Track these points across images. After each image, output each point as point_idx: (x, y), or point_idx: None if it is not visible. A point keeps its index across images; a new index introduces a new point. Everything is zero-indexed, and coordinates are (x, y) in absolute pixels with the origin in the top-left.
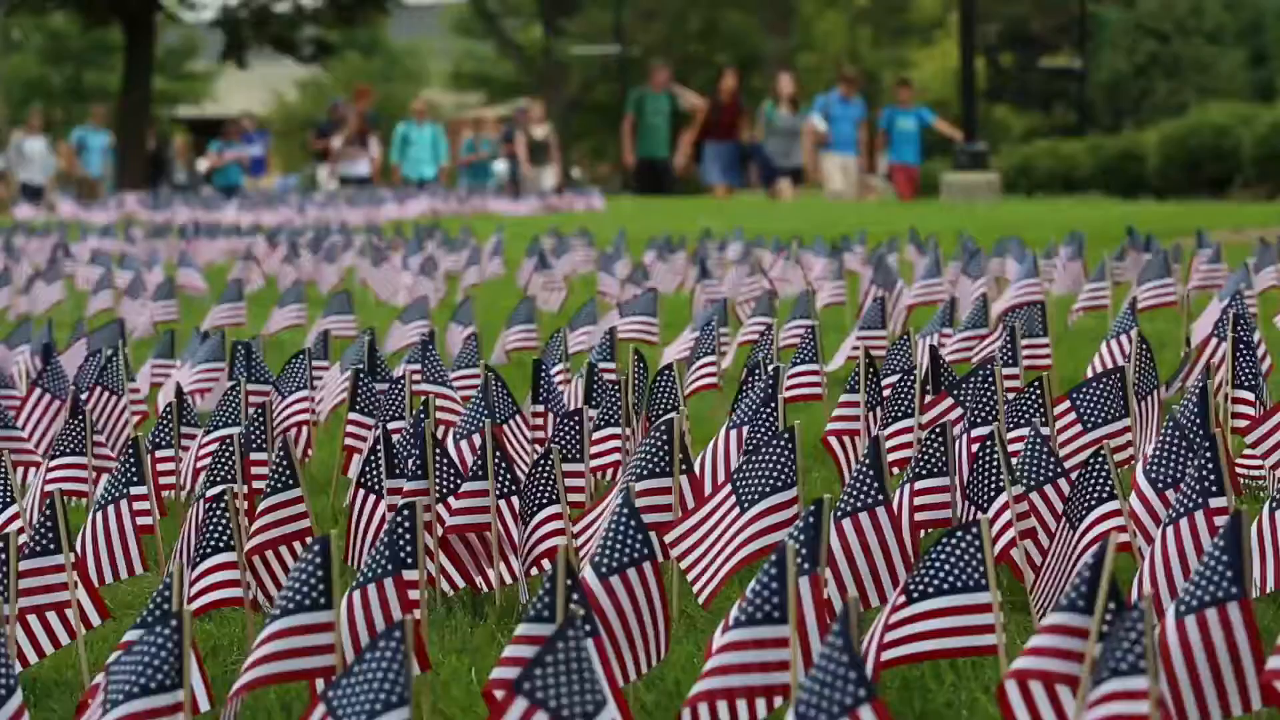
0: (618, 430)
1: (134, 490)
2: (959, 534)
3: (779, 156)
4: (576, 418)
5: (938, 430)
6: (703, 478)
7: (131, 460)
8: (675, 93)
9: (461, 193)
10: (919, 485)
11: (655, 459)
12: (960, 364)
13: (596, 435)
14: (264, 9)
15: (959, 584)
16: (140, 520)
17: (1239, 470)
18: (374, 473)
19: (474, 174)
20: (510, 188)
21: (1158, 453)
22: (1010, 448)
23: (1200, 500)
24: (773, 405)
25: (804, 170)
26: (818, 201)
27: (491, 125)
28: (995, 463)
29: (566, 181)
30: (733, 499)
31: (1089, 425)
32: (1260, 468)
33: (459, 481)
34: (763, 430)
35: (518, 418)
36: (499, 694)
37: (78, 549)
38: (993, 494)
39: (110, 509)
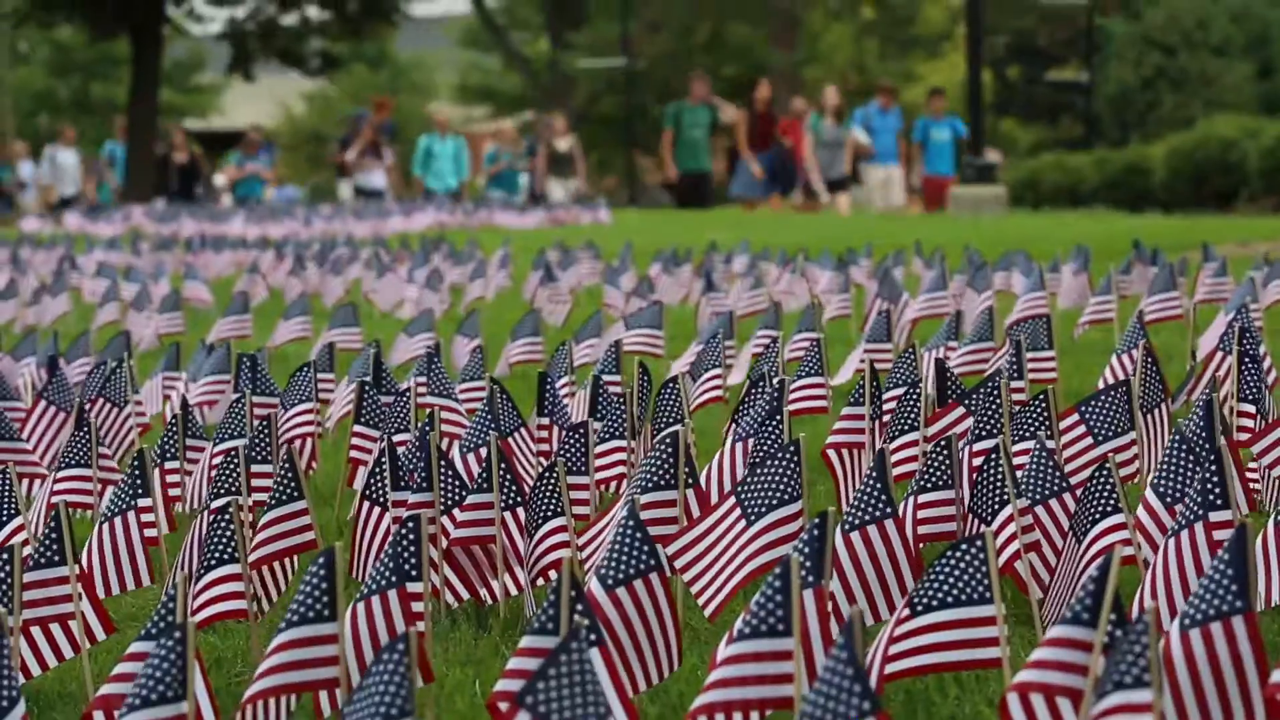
0: (623, 443)
1: (141, 502)
2: (963, 547)
3: (824, 169)
4: (581, 430)
5: (942, 444)
6: (709, 490)
7: (138, 472)
8: (714, 105)
9: (468, 205)
10: (923, 498)
11: (660, 472)
12: (966, 377)
13: (602, 448)
14: (271, 22)
15: (963, 597)
16: (147, 533)
17: (1252, 484)
18: (378, 485)
19: (499, 184)
20: (532, 200)
21: (1165, 466)
22: (1015, 461)
23: (1201, 513)
24: (778, 418)
25: (848, 181)
26: (829, 216)
27: (514, 136)
28: (1000, 476)
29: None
30: (738, 512)
31: (1100, 439)
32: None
33: (464, 494)
34: (768, 443)
35: (523, 430)
36: (503, 706)
37: (83, 562)
38: (997, 507)
39: (117, 520)
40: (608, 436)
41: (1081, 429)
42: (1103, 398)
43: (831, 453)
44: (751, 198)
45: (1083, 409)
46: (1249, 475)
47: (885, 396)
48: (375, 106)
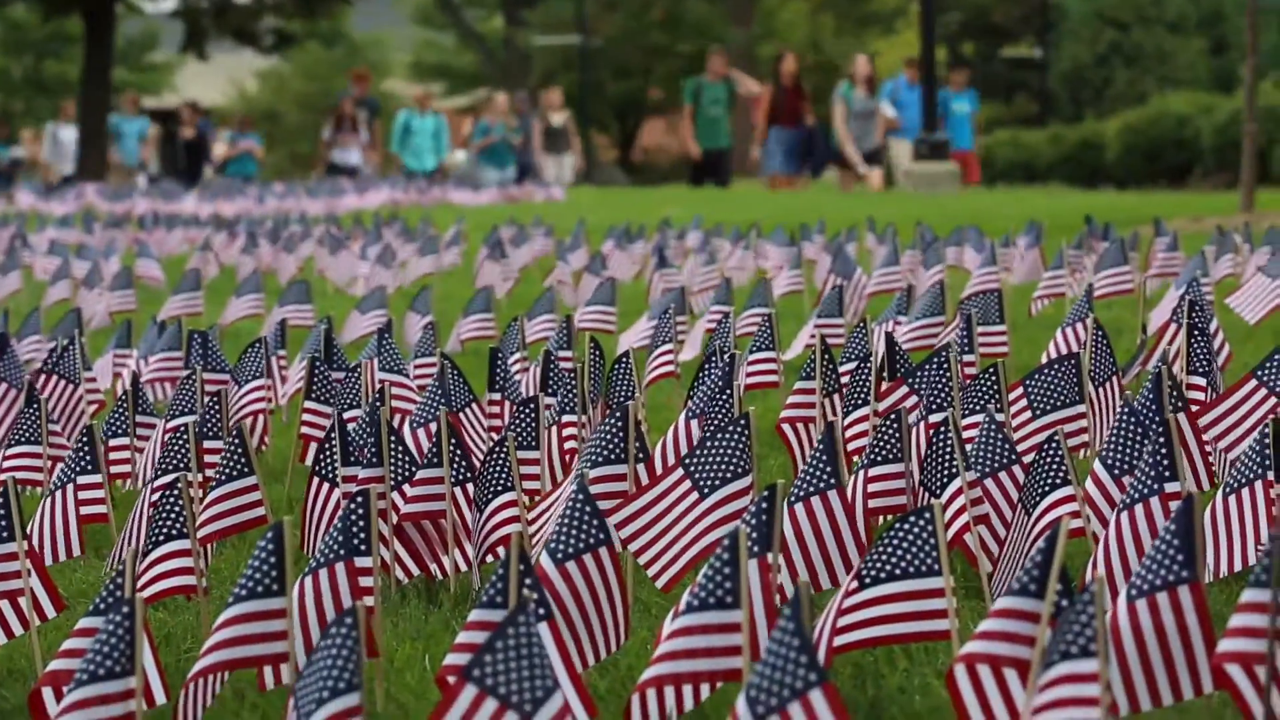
0: (574, 418)
1: (82, 479)
2: (912, 519)
3: (856, 139)
4: (532, 405)
5: (892, 417)
6: (664, 464)
7: (86, 449)
8: (732, 80)
9: (422, 183)
10: (874, 471)
11: (610, 446)
12: (917, 352)
13: (560, 421)
14: (224, 0)
15: (911, 569)
16: (93, 509)
17: (1211, 457)
18: (329, 461)
19: (489, 158)
20: (524, 177)
21: (1113, 438)
22: (965, 434)
23: (1155, 486)
24: (729, 392)
25: (880, 154)
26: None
27: (507, 107)
28: (949, 449)
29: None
30: (688, 484)
31: (1039, 411)
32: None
33: (414, 469)
34: (719, 417)
35: (474, 406)
36: (451, 680)
37: (32, 538)
38: (947, 480)
39: (57, 494)
40: (562, 412)
41: (1025, 402)
42: (1047, 371)
43: (786, 427)
44: (785, 174)
45: (1027, 382)
46: (1208, 448)
47: (842, 371)
48: (354, 79)
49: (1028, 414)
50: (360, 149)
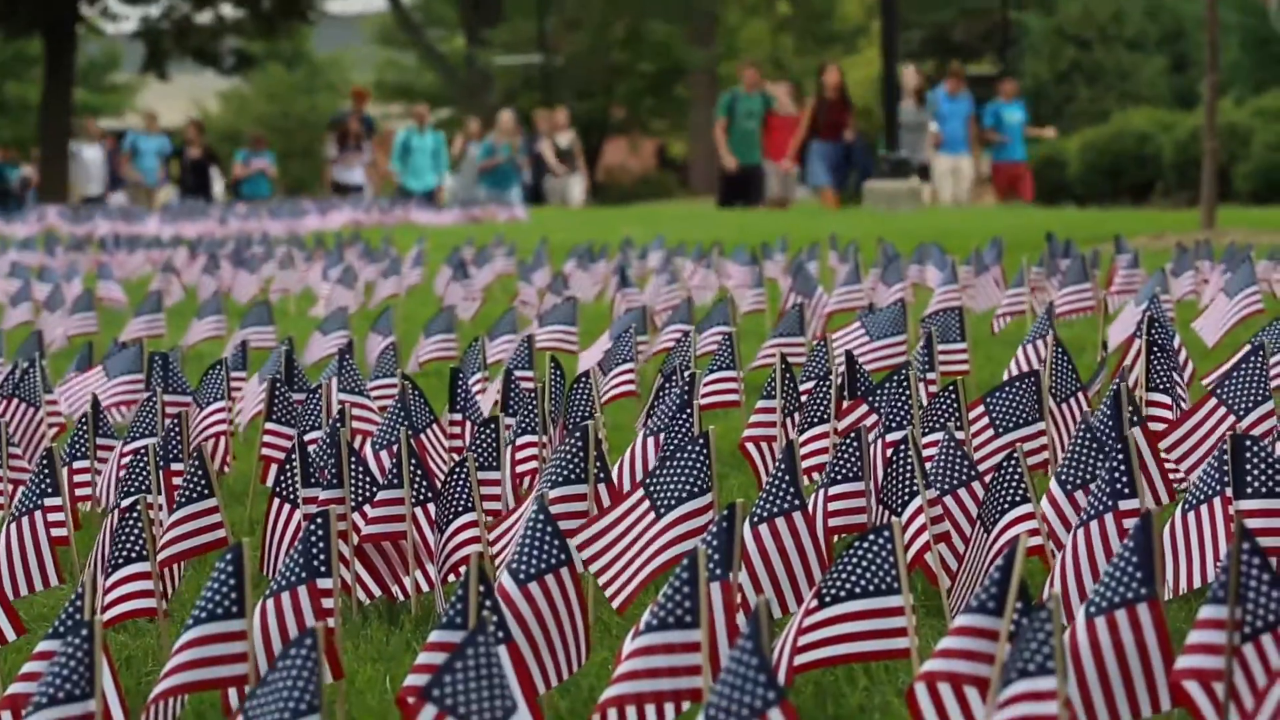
0: (535, 438)
1: (48, 501)
2: (871, 537)
3: (905, 152)
4: (492, 426)
5: (852, 436)
6: (621, 485)
7: (46, 472)
8: (768, 92)
9: (384, 203)
10: (834, 490)
11: (570, 466)
12: (876, 371)
13: (517, 443)
14: (185, 20)
15: (871, 587)
16: (55, 532)
17: (1171, 473)
18: (289, 482)
19: (493, 181)
20: (533, 199)
21: (1069, 455)
22: (925, 452)
23: (1111, 502)
24: (688, 411)
25: (929, 168)
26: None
27: (512, 126)
28: (909, 467)
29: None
30: (646, 504)
31: (1000, 429)
32: (1178, 471)
33: (375, 490)
34: (678, 436)
35: (435, 426)
36: (410, 700)
37: None
38: (907, 498)
39: (25, 520)
40: (522, 432)
41: (986, 420)
42: (1008, 389)
43: (750, 446)
44: (828, 188)
45: (988, 400)
46: (1168, 465)
47: (802, 389)
48: (353, 96)
49: (989, 432)
50: (364, 168)
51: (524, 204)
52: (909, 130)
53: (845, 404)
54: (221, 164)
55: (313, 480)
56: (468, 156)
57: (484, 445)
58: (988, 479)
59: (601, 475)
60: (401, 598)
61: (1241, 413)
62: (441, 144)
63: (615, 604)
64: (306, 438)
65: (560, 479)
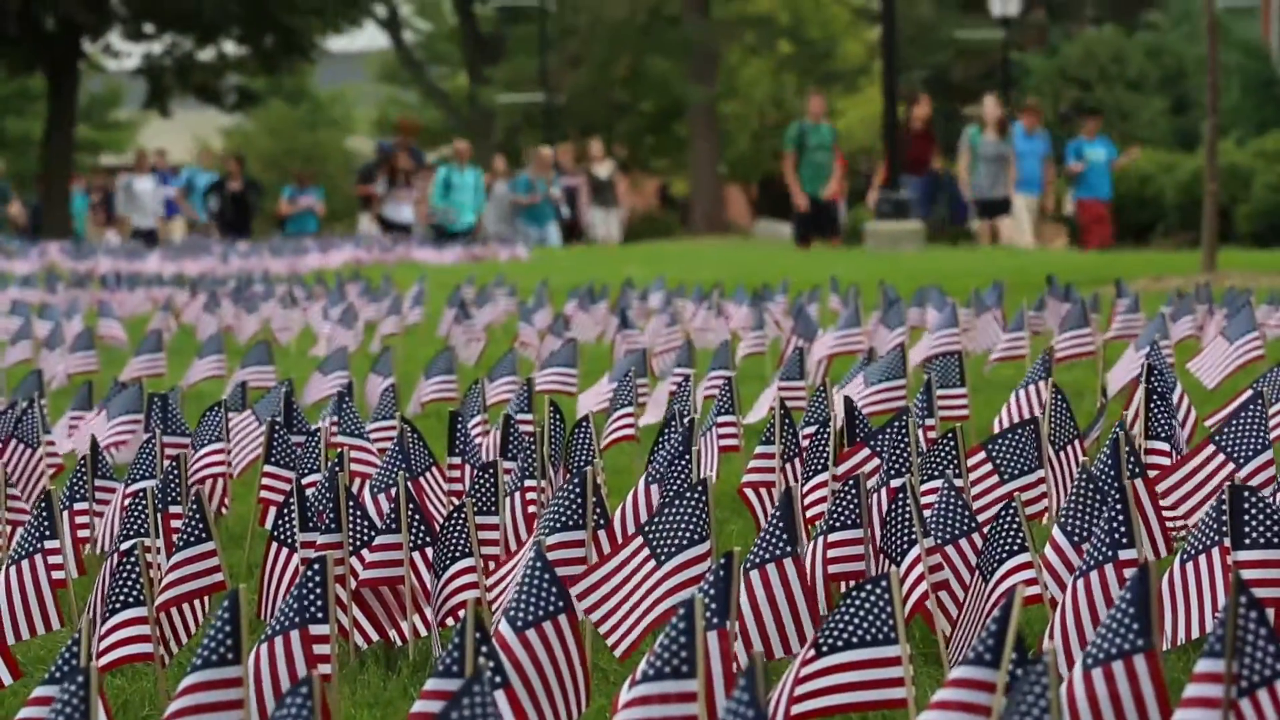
0: (535, 483)
1: (48, 544)
2: (869, 587)
3: (986, 187)
4: (491, 470)
5: (851, 482)
6: (624, 530)
7: (44, 514)
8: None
9: (385, 241)
10: (833, 537)
11: (569, 511)
12: (875, 416)
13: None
14: (187, 57)
15: (868, 637)
16: (55, 575)
17: (1170, 523)
18: (287, 526)
19: (530, 217)
20: (572, 235)
21: (1071, 504)
22: (925, 500)
23: (1110, 553)
24: (688, 457)
25: (1008, 204)
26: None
27: (549, 161)
28: (908, 515)
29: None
30: (646, 551)
31: (1005, 477)
32: (1178, 518)
33: (373, 534)
34: (678, 482)
35: (434, 470)
36: None
37: None
38: (906, 546)
39: (24, 564)
40: (523, 476)
41: (988, 467)
42: (1010, 436)
43: (749, 492)
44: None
45: (989, 447)
46: (1167, 514)
47: (803, 434)
48: (401, 130)
49: (993, 479)
50: (413, 205)
51: (560, 240)
52: (988, 162)
53: (844, 450)
54: (261, 197)
55: (311, 524)
56: (496, 193)
57: (483, 490)
58: (986, 529)
59: (600, 521)
60: (399, 642)
61: (1241, 461)
62: (481, 181)
63: (617, 652)
64: (305, 481)
65: (558, 525)
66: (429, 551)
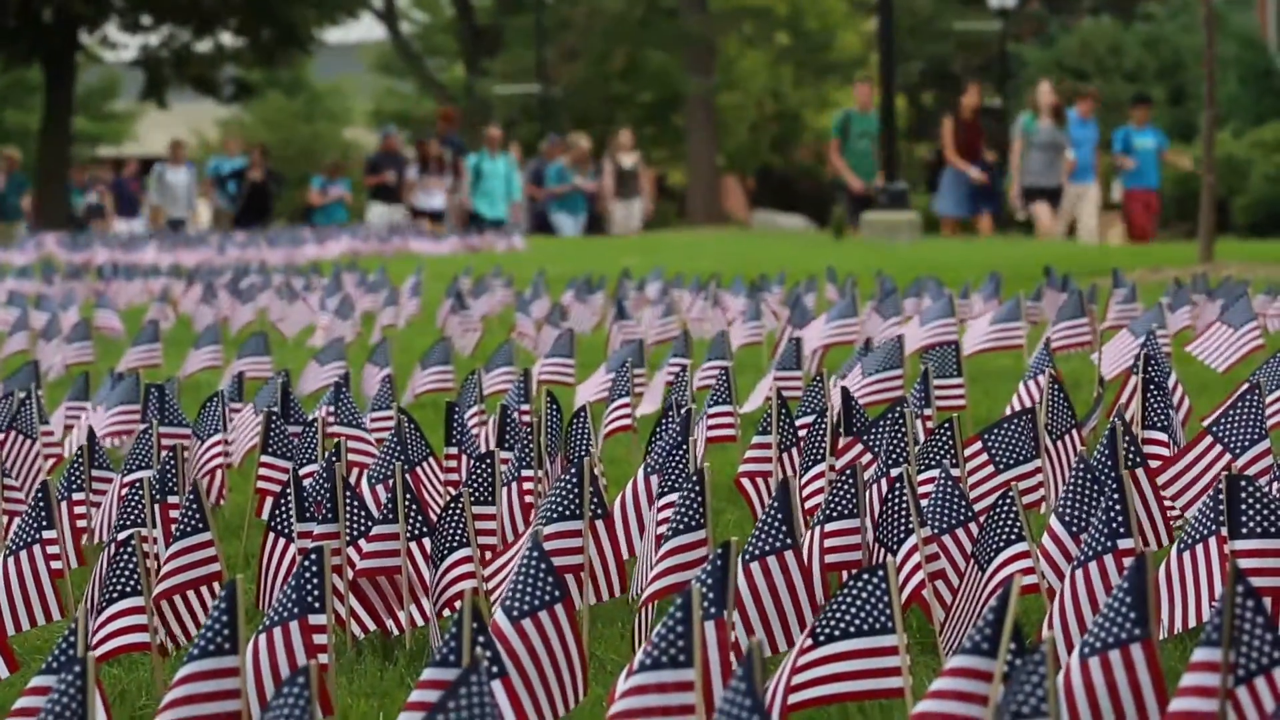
0: (531, 473)
1: (46, 534)
2: (865, 576)
3: (1038, 174)
4: (488, 461)
5: (848, 472)
6: (624, 520)
7: (41, 505)
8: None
9: (382, 232)
10: (830, 527)
11: (566, 502)
12: (872, 406)
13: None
14: (184, 49)
15: (865, 626)
16: (53, 565)
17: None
18: (284, 516)
19: (565, 207)
20: (592, 225)
21: (1068, 494)
22: (921, 489)
23: (1109, 543)
24: (685, 447)
25: (1060, 192)
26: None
27: (585, 153)
28: (905, 505)
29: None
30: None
31: (1001, 466)
32: (1174, 508)
33: (370, 524)
34: (674, 472)
35: (431, 460)
36: None
37: None
38: (903, 536)
39: (23, 555)
40: (521, 467)
41: (984, 457)
42: (1006, 425)
43: (745, 481)
44: (959, 216)
45: (986, 437)
46: (1167, 504)
47: (799, 424)
48: (441, 118)
49: (988, 469)
50: (444, 192)
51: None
52: (1041, 150)
53: (841, 441)
54: (280, 187)
55: (308, 514)
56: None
57: (480, 480)
58: (983, 517)
59: (598, 511)
60: (396, 632)
61: (1237, 451)
62: (514, 168)
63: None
64: (302, 471)
65: (555, 514)
66: (426, 542)
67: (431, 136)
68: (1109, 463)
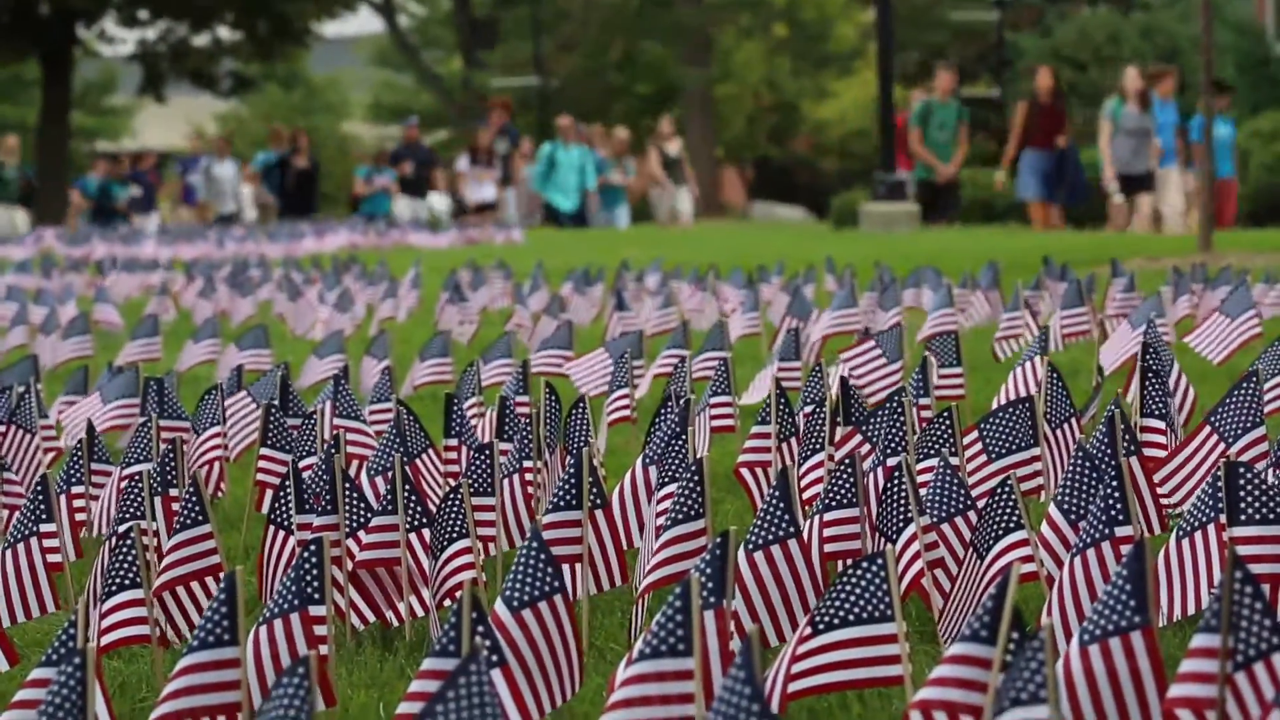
0: (531, 464)
1: (44, 527)
2: (864, 564)
3: (1126, 161)
4: (487, 452)
5: (847, 461)
6: (622, 510)
7: (41, 498)
8: (962, 99)
9: (380, 225)
10: (829, 516)
11: (565, 492)
12: (873, 395)
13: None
14: (182, 43)
15: (864, 615)
16: (51, 558)
17: (1164, 499)
18: (284, 508)
19: (604, 199)
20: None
21: (1067, 482)
22: (920, 478)
23: (1107, 530)
24: (684, 438)
25: (1151, 179)
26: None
27: (626, 145)
28: (904, 494)
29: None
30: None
31: (994, 455)
32: (1174, 503)
33: (369, 516)
34: (674, 462)
35: (430, 452)
36: None
37: None
38: (902, 525)
39: (20, 547)
40: (520, 458)
41: (980, 445)
42: (1002, 414)
43: (745, 471)
44: (1045, 199)
45: (982, 426)
46: (1162, 498)
47: (800, 414)
48: (497, 106)
49: (983, 457)
50: (495, 184)
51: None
52: (1129, 136)
53: (841, 431)
54: (316, 183)
55: (307, 506)
56: (522, 174)
57: (479, 471)
58: (981, 505)
59: (598, 501)
60: (396, 623)
61: (1232, 439)
62: (588, 158)
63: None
64: (301, 464)
65: (554, 505)
66: (426, 533)
67: (482, 126)
68: (1107, 450)
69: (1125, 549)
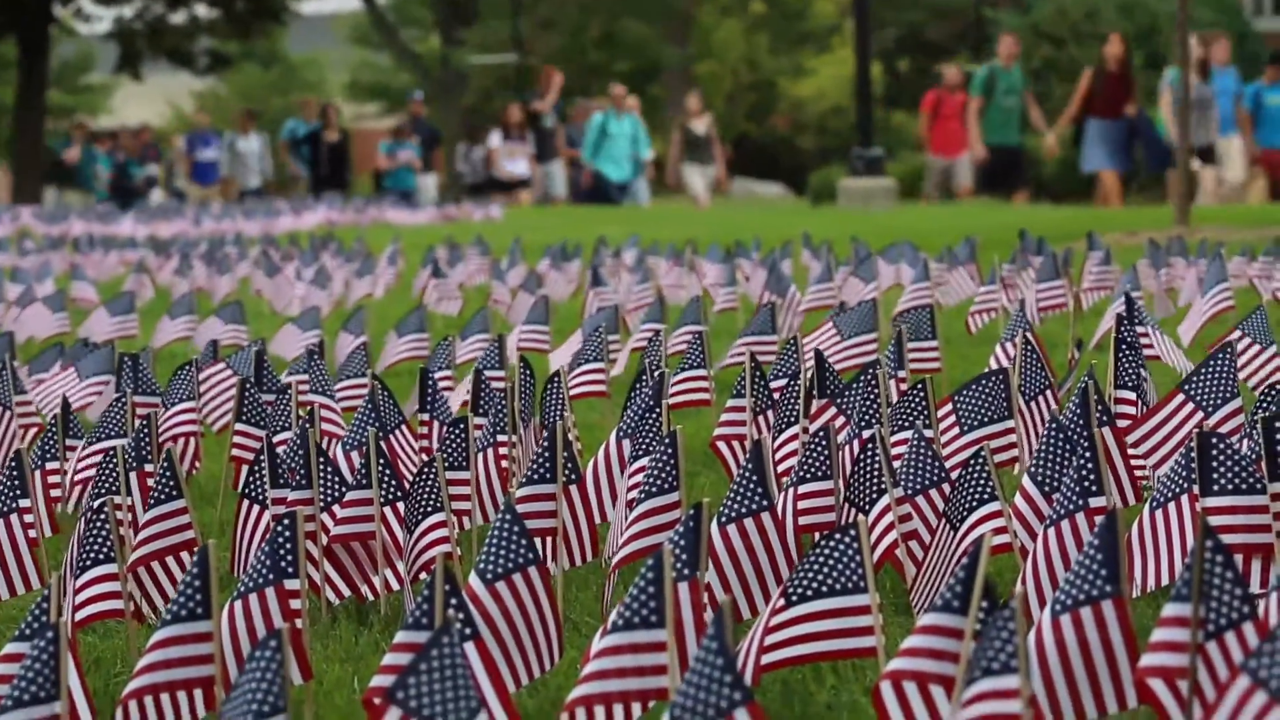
0: (505, 438)
1: (22, 503)
2: (837, 536)
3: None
4: (461, 426)
5: (821, 434)
6: (596, 484)
7: (16, 474)
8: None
9: (359, 203)
10: (803, 489)
11: (539, 466)
12: (847, 370)
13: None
14: (159, 21)
15: (838, 586)
16: (30, 534)
17: (1138, 471)
18: (258, 483)
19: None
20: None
21: (1041, 454)
22: (895, 451)
23: (1080, 501)
24: (657, 411)
25: (1213, 151)
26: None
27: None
28: (877, 466)
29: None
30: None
31: (966, 428)
32: (1144, 468)
33: (344, 490)
34: (648, 436)
35: (404, 427)
36: (376, 701)
37: None
38: (875, 497)
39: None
40: (495, 432)
41: (953, 418)
42: (976, 387)
43: (722, 445)
44: (1109, 171)
45: (956, 398)
46: (1135, 464)
47: (772, 388)
48: (544, 78)
49: (956, 429)
50: (527, 159)
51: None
52: (1194, 107)
53: (815, 404)
54: (347, 159)
55: (282, 481)
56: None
57: (453, 445)
58: (955, 476)
59: (572, 476)
60: (370, 597)
61: (1210, 409)
62: (640, 128)
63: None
64: (276, 439)
65: (527, 479)
66: (400, 507)
67: (535, 98)
68: (1080, 421)
69: (1099, 519)
